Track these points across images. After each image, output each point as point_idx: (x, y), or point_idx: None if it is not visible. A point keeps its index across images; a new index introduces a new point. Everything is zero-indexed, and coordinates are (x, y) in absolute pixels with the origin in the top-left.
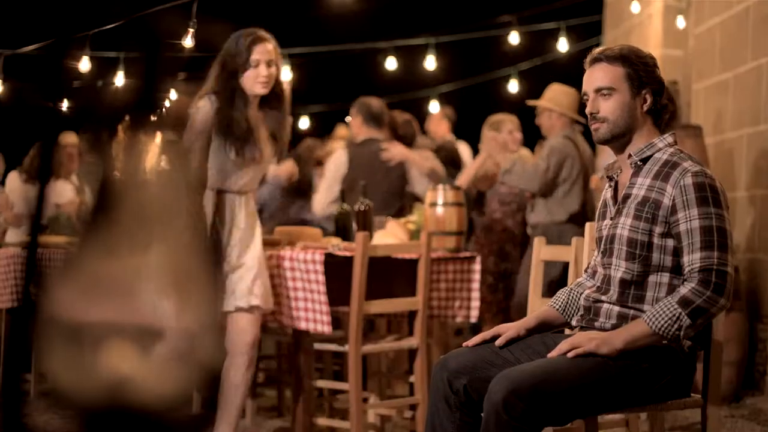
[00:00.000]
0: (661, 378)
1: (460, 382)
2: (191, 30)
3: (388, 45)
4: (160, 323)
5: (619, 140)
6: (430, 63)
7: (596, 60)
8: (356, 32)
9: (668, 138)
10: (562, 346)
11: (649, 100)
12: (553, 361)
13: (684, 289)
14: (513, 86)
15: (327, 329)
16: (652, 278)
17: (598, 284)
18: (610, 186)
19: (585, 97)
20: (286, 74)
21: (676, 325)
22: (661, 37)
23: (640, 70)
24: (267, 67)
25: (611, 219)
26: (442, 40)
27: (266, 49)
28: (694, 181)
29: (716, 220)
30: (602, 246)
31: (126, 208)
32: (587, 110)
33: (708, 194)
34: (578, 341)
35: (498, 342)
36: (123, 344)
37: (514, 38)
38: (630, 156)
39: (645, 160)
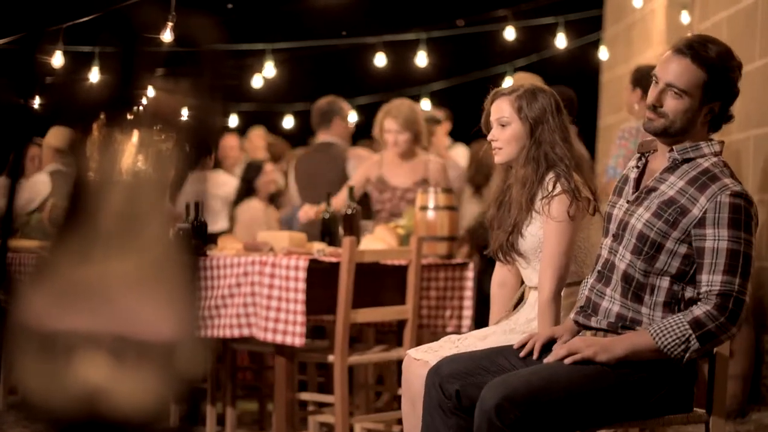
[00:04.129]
0: (660, 389)
1: (452, 387)
2: (170, 23)
3: (377, 40)
4: (137, 332)
5: (670, 138)
6: (422, 59)
7: (682, 52)
8: (343, 27)
9: (716, 146)
10: (559, 351)
11: (716, 111)
12: (549, 367)
13: (698, 311)
14: (509, 84)
15: (299, 342)
16: (652, 280)
17: (599, 268)
18: (638, 166)
19: (654, 78)
20: (269, 70)
21: (683, 346)
22: (665, 32)
23: (721, 81)
24: None
25: (627, 202)
26: (434, 36)
27: None
28: (731, 201)
29: (744, 246)
30: (614, 227)
31: (101, 210)
32: (651, 99)
33: (742, 218)
34: (576, 347)
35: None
36: (98, 354)
37: (510, 34)
38: (671, 150)
39: (686, 161)
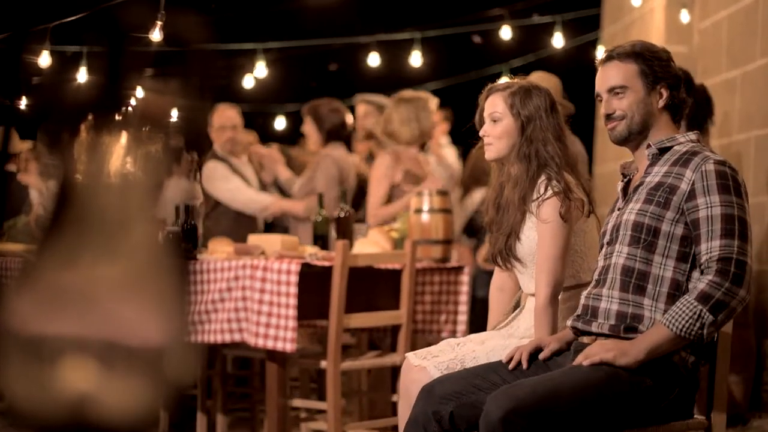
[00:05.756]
0: (665, 396)
1: (446, 408)
2: (159, 22)
3: (370, 40)
4: (125, 337)
5: (637, 138)
6: (416, 59)
7: (608, 59)
8: (336, 26)
9: (691, 135)
10: (578, 359)
11: (665, 95)
12: (553, 377)
13: (701, 284)
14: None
15: (290, 347)
16: (654, 269)
17: (596, 277)
18: (623, 181)
19: (598, 98)
20: (261, 71)
21: (698, 324)
22: (664, 32)
23: (653, 65)
24: None
25: (618, 210)
26: (429, 35)
27: None
28: (716, 168)
29: (738, 210)
30: (608, 236)
31: (88, 213)
32: (602, 112)
33: (730, 183)
34: (594, 351)
35: (542, 355)
36: (85, 360)
37: (506, 33)
38: (648, 146)
39: (663, 151)
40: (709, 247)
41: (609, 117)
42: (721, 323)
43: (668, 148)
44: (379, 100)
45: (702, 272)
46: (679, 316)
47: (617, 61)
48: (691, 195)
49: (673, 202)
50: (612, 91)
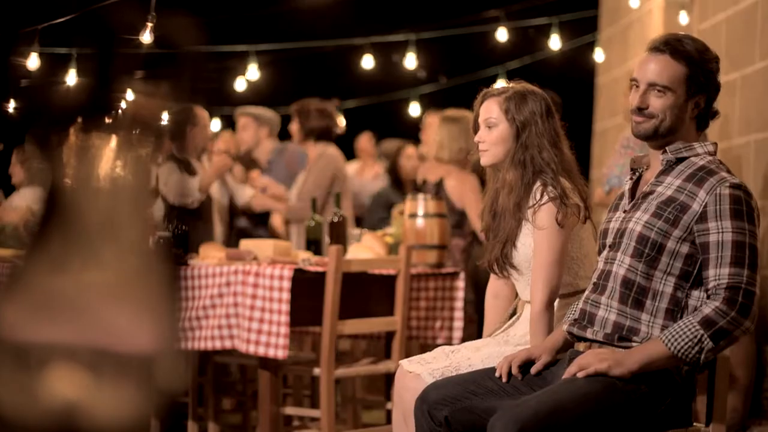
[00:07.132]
0: (661, 402)
1: (441, 413)
2: (150, 24)
3: (364, 41)
4: (115, 344)
5: (660, 139)
6: (411, 61)
7: (659, 50)
8: (329, 27)
9: (709, 146)
10: (571, 368)
11: (702, 105)
12: (553, 393)
13: (707, 309)
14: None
15: (282, 354)
16: (654, 284)
17: (595, 280)
18: (632, 179)
19: (634, 83)
20: (253, 73)
21: (696, 348)
22: (662, 34)
23: (701, 74)
24: None
25: (624, 212)
26: (424, 37)
27: None
28: (731, 193)
29: (750, 237)
30: (610, 239)
31: (78, 218)
32: (635, 103)
33: (744, 209)
34: (587, 361)
35: (534, 370)
36: (74, 367)
37: (502, 35)
38: (664, 152)
39: (680, 161)
40: (718, 274)
41: (640, 110)
42: (720, 350)
43: (684, 158)
44: (259, 112)
45: (708, 297)
46: (680, 336)
47: (669, 56)
48: (703, 217)
49: (683, 221)
50: (653, 86)
